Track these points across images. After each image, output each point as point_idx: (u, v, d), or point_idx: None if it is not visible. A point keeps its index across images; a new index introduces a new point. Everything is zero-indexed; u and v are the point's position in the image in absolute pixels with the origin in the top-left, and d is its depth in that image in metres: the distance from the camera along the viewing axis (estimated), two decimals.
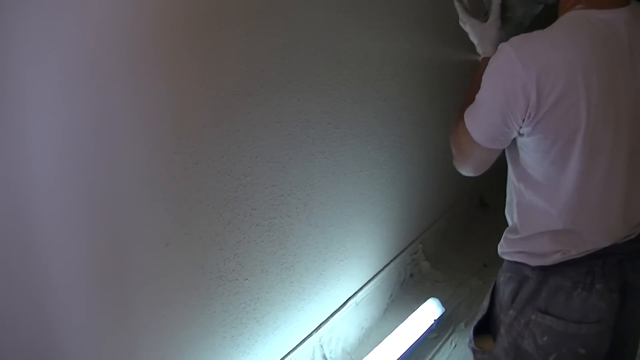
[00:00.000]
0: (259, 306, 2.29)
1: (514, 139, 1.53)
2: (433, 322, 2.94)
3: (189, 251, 1.98)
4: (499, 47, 1.47)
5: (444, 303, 3.07)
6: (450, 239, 3.61)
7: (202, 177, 1.96)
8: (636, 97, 1.45)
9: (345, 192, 2.65)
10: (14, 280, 1.52)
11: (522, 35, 1.44)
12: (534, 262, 1.61)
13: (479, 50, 1.78)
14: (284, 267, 2.39)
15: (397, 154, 2.98)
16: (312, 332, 2.61)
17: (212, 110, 1.94)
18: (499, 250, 1.74)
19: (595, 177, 1.48)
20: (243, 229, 2.16)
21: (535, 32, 1.45)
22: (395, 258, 3.19)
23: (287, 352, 2.50)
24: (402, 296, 3.21)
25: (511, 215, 1.70)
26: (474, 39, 1.79)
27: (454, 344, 2.91)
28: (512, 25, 1.77)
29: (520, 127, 1.47)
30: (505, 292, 1.67)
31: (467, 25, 1.79)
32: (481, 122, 1.52)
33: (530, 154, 1.52)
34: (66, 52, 1.50)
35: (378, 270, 3.05)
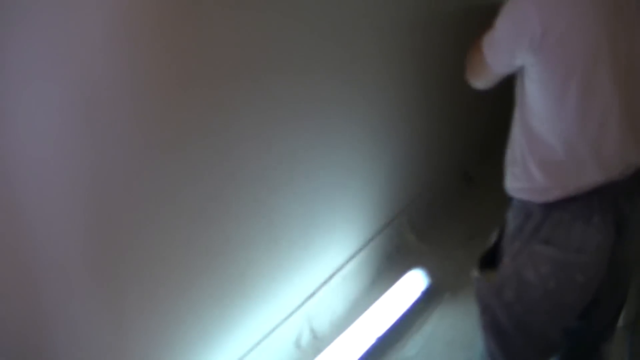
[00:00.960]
0: (245, 279, 2.31)
1: (526, 73, 1.70)
2: (420, 293, 2.97)
3: (175, 228, 1.99)
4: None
5: (430, 275, 3.09)
6: (435, 212, 3.63)
7: (181, 152, 1.96)
8: (633, 47, 1.60)
9: (330, 164, 2.66)
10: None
11: None
12: (537, 198, 1.75)
13: None
14: (270, 239, 2.40)
15: (381, 127, 2.99)
16: (299, 306, 2.63)
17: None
18: (507, 185, 1.89)
19: (591, 115, 1.63)
20: (229, 203, 2.17)
21: None
22: (381, 231, 3.21)
23: (275, 326, 2.52)
24: (388, 269, 3.23)
25: (517, 150, 1.84)
26: None
27: (440, 314, 2.94)
28: None
29: (525, 56, 1.65)
30: (512, 225, 1.82)
31: None
32: (496, 51, 1.73)
33: (536, 85, 1.67)
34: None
35: (364, 244, 3.07)
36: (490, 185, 4.02)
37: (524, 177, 1.79)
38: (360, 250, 3.03)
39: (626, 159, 1.71)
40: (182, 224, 2.01)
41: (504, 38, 1.69)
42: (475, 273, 1.88)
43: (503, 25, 1.68)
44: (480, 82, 1.90)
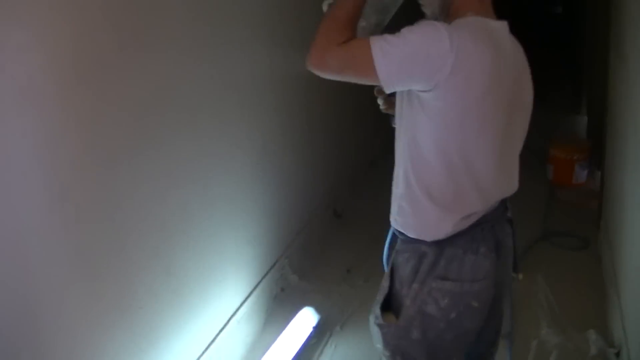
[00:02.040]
0: (153, 331, 2.34)
1: (418, 103, 1.69)
2: (312, 329, 3.09)
3: (83, 282, 2.01)
4: (422, 21, 1.68)
5: (317, 310, 3.23)
6: (312, 251, 3.80)
7: (91, 206, 2.00)
8: (510, 92, 1.74)
9: (216, 215, 2.76)
10: None
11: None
12: (428, 236, 1.83)
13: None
14: (170, 289, 2.44)
15: (255, 177, 3.16)
16: (202, 353, 2.67)
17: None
18: (394, 220, 1.92)
19: (479, 153, 1.74)
20: (132, 255, 2.21)
21: (452, 23, 1.67)
22: (265, 275, 3.32)
23: None
24: (277, 309, 3.34)
25: (404, 182, 1.85)
26: None
27: (333, 346, 3.08)
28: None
29: (422, 88, 1.64)
30: (406, 269, 1.87)
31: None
32: (392, 62, 1.62)
33: (431, 117, 1.69)
34: None
35: (253, 288, 3.17)
36: (358, 219, 4.29)
37: (413, 210, 1.84)
38: (250, 294, 3.13)
39: (499, 192, 1.86)
40: (94, 280, 2.03)
41: (409, 53, 1.61)
42: (377, 320, 1.91)
43: (414, 39, 1.62)
44: (340, 74, 1.71)
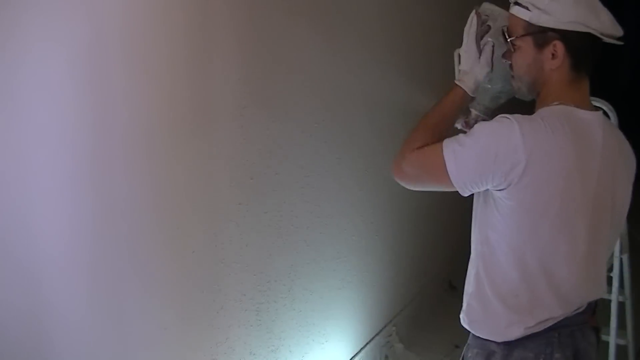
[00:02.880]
0: None
1: (492, 201, 1.65)
2: None
3: (184, 335, 2.10)
4: (498, 116, 1.60)
5: None
6: (421, 321, 3.75)
7: (198, 265, 2.10)
8: (598, 190, 1.64)
9: (326, 277, 2.79)
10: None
11: (521, 115, 1.59)
12: (497, 337, 1.74)
13: (457, 75, 1.86)
14: (269, 350, 2.50)
15: (373, 240, 3.15)
16: None
17: (206, 202, 2.10)
18: (464, 318, 1.84)
19: (557, 254, 1.64)
20: (234, 313, 2.28)
21: (533, 116, 1.61)
22: (370, 340, 3.31)
23: None
24: None
25: (475, 280, 1.79)
26: (464, 64, 1.84)
27: None
28: (488, 96, 1.91)
29: (495, 186, 1.59)
30: None
31: (467, 50, 1.83)
32: (463, 163, 1.60)
33: (503, 217, 1.64)
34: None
35: (355, 353, 3.17)
36: None
37: (483, 310, 1.76)
38: (352, 358, 3.13)
39: (583, 297, 1.72)
40: (191, 334, 2.12)
41: (478, 153, 1.58)
42: None
43: (483, 138, 1.58)
44: (418, 181, 1.77)
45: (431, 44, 3.37)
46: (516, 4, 1.70)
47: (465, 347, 1.87)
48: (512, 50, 1.73)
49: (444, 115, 1.80)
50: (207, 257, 2.13)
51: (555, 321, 1.70)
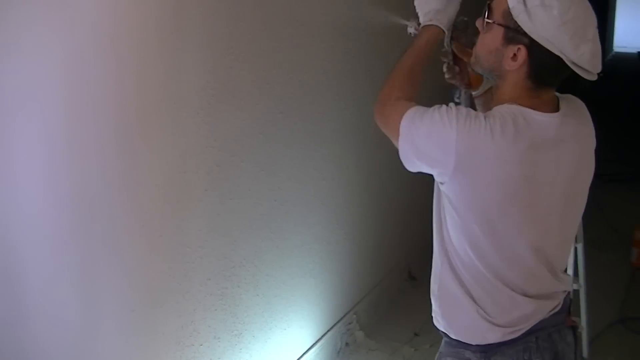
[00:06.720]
0: None
1: (449, 202, 1.60)
2: None
3: (151, 317, 2.15)
4: (449, 105, 1.55)
5: None
6: (382, 310, 3.84)
7: (165, 249, 2.15)
8: (563, 189, 1.61)
9: (289, 265, 2.86)
10: None
11: (472, 112, 1.54)
12: (473, 338, 1.67)
13: (423, 18, 1.79)
14: (233, 334, 2.56)
15: (334, 230, 3.23)
16: None
17: (174, 188, 2.16)
18: (437, 321, 1.76)
19: (516, 251, 1.61)
20: (199, 297, 2.34)
21: (481, 115, 1.54)
22: (332, 328, 3.38)
23: None
24: None
25: (442, 282, 1.71)
26: (437, 3, 1.78)
27: None
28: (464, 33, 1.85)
29: (437, 178, 1.58)
30: None
31: None
32: (410, 138, 1.57)
33: (452, 216, 1.61)
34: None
35: (317, 339, 3.24)
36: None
37: (455, 310, 1.69)
38: (313, 345, 3.20)
39: (549, 289, 1.69)
40: (158, 317, 2.17)
41: (422, 136, 1.56)
42: None
43: (429, 124, 1.55)
44: (382, 128, 1.70)
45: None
46: None
47: (437, 356, 1.79)
48: (483, 27, 1.63)
49: (420, 58, 1.74)
50: (174, 242, 2.18)
51: (531, 325, 1.66)
